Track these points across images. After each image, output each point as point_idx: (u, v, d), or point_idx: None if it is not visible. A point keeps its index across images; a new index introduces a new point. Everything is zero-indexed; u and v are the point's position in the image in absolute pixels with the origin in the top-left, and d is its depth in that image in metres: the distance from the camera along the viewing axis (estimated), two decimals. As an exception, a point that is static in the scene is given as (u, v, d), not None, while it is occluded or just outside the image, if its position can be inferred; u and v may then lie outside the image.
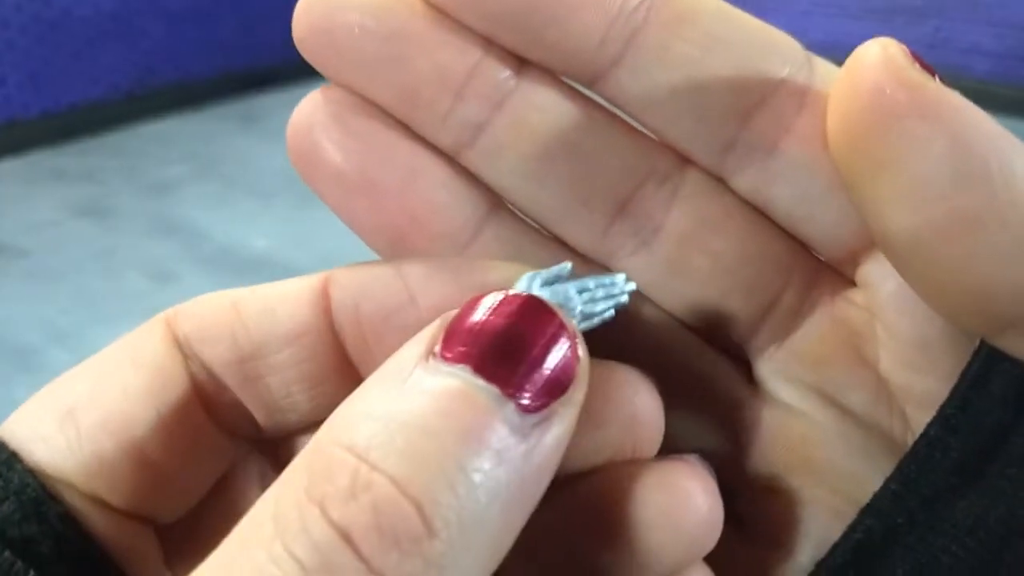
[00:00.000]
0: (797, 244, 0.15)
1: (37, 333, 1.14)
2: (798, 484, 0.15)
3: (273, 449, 0.17)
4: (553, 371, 0.12)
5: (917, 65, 0.13)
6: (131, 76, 1.97)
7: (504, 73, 0.15)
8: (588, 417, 0.13)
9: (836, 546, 0.14)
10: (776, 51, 0.14)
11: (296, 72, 2.34)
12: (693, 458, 0.15)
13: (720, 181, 0.15)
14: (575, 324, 0.13)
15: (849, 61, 0.13)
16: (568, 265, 0.14)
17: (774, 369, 0.16)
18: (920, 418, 0.14)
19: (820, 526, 0.15)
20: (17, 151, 1.72)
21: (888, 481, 0.14)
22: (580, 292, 0.14)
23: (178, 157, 1.72)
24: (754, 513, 0.15)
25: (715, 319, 0.16)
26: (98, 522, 0.14)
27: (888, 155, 0.12)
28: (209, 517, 0.12)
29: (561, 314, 0.13)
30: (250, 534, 0.12)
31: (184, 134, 1.86)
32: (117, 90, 1.94)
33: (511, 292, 0.13)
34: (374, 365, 0.13)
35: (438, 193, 0.15)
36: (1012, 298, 0.12)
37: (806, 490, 0.15)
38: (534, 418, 0.12)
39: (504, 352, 0.12)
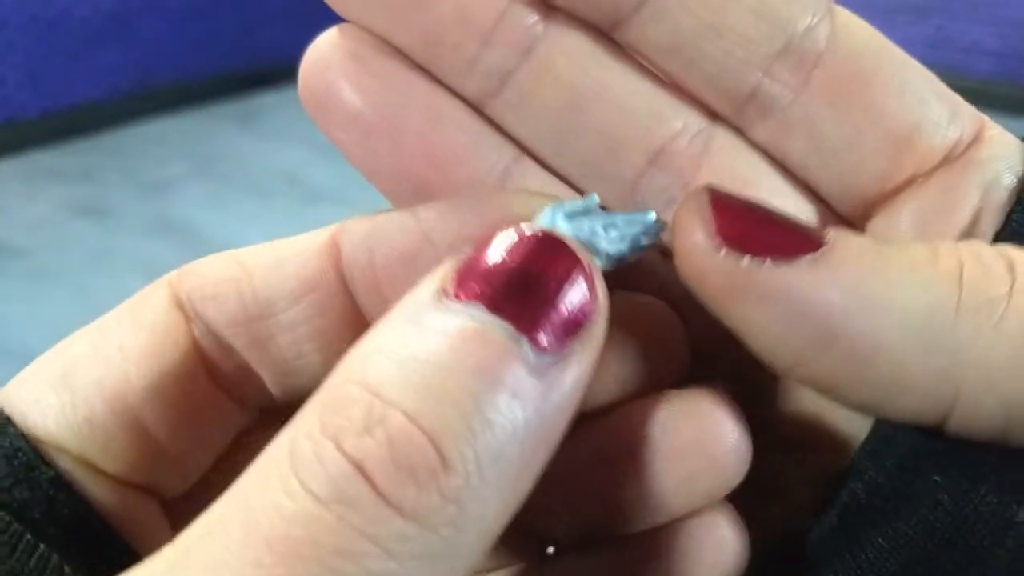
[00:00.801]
0: (813, 199, 0.15)
1: (35, 332, 1.14)
2: (774, 461, 0.15)
3: (286, 417, 0.15)
4: (570, 310, 0.12)
5: (727, 237, 0.13)
6: (130, 76, 1.97)
7: (532, 18, 0.14)
8: (612, 349, 0.13)
9: (823, 510, 0.14)
10: (795, 2, 0.14)
11: (295, 72, 2.34)
12: (719, 385, 0.14)
13: (739, 132, 0.15)
14: (595, 261, 0.13)
15: (676, 238, 0.13)
16: (595, 197, 0.14)
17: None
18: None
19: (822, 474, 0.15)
20: (16, 151, 1.71)
21: (865, 442, 0.14)
22: (606, 229, 0.14)
23: (177, 157, 1.71)
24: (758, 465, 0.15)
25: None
26: (94, 489, 0.14)
27: (737, 326, 0.13)
28: (220, 491, 0.11)
29: (578, 251, 0.12)
30: (265, 470, 0.11)
31: (183, 134, 1.86)
32: (116, 90, 1.94)
33: (527, 228, 0.12)
34: None
35: (461, 137, 0.15)
36: (906, 413, 0.13)
37: (784, 466, 0.15)
38: (551, 357, 0.12)
39: (519, 290, 0.12)
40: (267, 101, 2.10)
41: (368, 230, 0.15)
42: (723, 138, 0.15)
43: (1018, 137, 0.15)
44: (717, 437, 0.14)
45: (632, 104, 0.15)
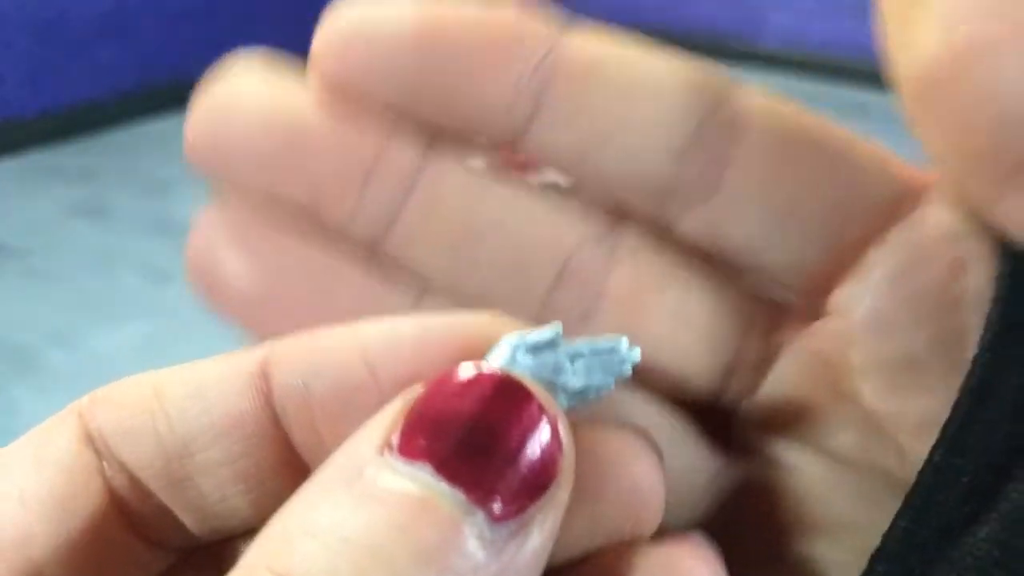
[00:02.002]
0: (752, 286, 0.14)
1: (34, 333, 1.14)
2: (802, 548, 0.14)
3: (213, 555, 0.14)
4: (532, 468, 0.10)
5: None
6: (129, 75, 1.97)
7: (411, 153, 0.14)
8: (576, 497, 0.11)
9: None
10: (697, 86, 0.13)
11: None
12: (696, 537, 0.13)
13: (665, 231, 0.14)
14: (561, 406, 0.11)
15: None
16: (559, 326, 0.12)
17: (751, 425, 0.14)
18: (919, 447, 0.13)
19: None
20: (15, 150, 1.71)
21: (896, 519, 0.13)
22: (572, 360, 0.12)
23: (177, 157, 1.71)
24: None
25: (678, 381, 0.14)
26: None
27: None
28: None
29: (543, 398, 0.11)
30: None
31: (183, 133, 1.86)
32: (115, 89, 1.94)
33: (484, 367, 0.11)
34: (325, 456, 0.11)
35: (357, 293, 0.14)
36: None
37: (812, 552, 0.14)
38: (509, 526, 0.10)
39: (473, 447, 0.10)
40: (267, 101, 2.10)
41: (303, 358, 0.13)
42: (631, 240, 0.14)
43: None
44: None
45: (530, 222, 0.14)
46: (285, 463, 0.13)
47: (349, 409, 0.12)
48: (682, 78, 0.13)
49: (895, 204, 0.13)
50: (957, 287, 0.13)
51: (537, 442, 0.10)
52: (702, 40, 2.49)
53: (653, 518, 0.13)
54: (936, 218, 0.13)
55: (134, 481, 0.13)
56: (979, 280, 0.13)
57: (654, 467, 0.13)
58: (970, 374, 0.12)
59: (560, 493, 0.11)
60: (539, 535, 0.10)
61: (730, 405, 0.14)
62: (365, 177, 0.14)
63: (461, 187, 0.14)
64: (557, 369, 0.12)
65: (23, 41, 1.78)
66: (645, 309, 0.14)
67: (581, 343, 0.12)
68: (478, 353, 0.12)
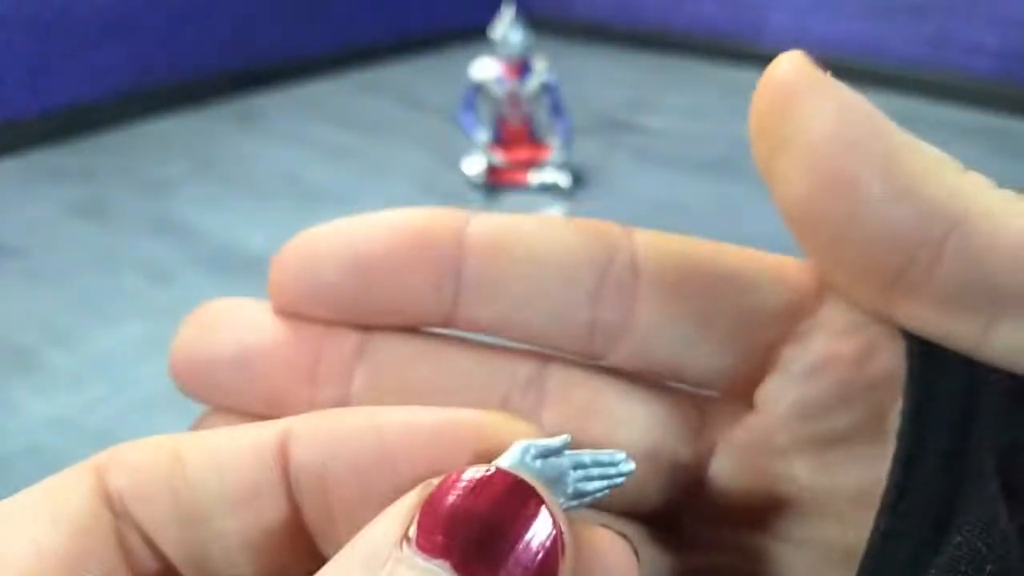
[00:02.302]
0: (681, 395, 0.16)
1: (34, 333, 1.14)
2: None
3: None
4: (538, 568, 0.11)
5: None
6: (130, 76, 1.97)
7: (347, 347, 0.15)
8: None
9: None
10: (593, 241, 0.15)
11: (294, 72, 2.34)
12: None
13: (592, 364, 0.16)
14: (562, 511, 0.12)
15: (766, 71, 0.14)
16: (567, 437, 0.13)
17: (699, 518, 0.15)
18: (857, 515, 0.14)
19: None
20: (15, 150, 1.71)
21: None
22: (575, 468, 0.13)
23: (176, 156, 1.71)
24: None
25: (629, 504, 0.15)
26: None
27: (787, 130, 0.13)
28: None
29: (549, 500, 0.12)
30: None
31: (182, 133, 1.86)
32: (115, 89, 1.94)
33: (497, 467, 0.12)
34: (335, 534, 0.12)
35: None
36: (892, 248, 0.13)
37: None
38: None
39: (486, 544, 0.11)
40: (267, 101, 2.09)
41: (322, 439, 0.13)
42: (559, 377, 0.16)
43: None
44: None
45: (462, 383, 0.15)
46: (294, 536, 0.13)
47: (363, 491, 0.13)
48: (579, 238, 0.15)
49: (798, 305, 0.15)
50: (870, 368, 0.14)
51: (543, 543, 0.11)
52: (702, 40, 2.49)
53: None
54: (839, 312, 0.14)
55: (148, 542, 0.13)
56: (890, 360, 0.14)
57: (632, 565, 0.13)
58: (898, 445, 0.13)
59: None
60: None
61: (680, 516, 0.15)
62: (310, 378, 0.15)
63: (397, 362, 0.16)
64: (561, 474, 0.13)
65: (23, 41, 1.78)
66: (582, 434, 0.15)
67: (585, 453, 0.13)
68: (491, 449, 0.13)
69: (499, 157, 1.52)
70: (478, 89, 1.51)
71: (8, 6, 1.74)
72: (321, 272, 0.15)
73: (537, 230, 0.15)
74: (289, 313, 0.16)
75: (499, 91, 1.49)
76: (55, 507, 0.13)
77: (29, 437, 0.93)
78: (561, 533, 0.11)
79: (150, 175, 1.61)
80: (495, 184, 1.51)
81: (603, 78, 2.29)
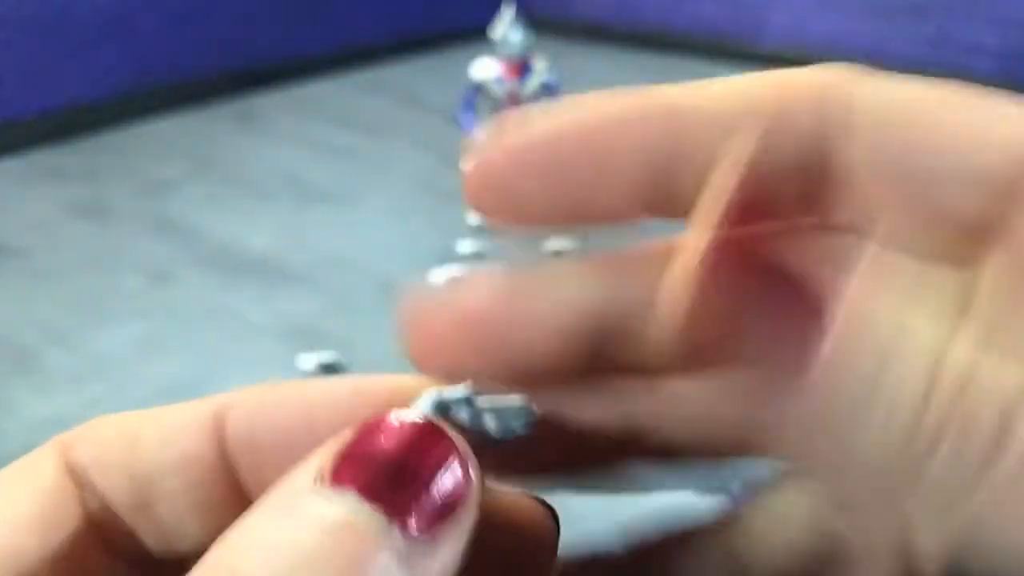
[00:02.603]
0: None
1: (34, 333, 1.14)
2: None
3: (171, 573, 0.16)
4: (443, 496, 0.12)
5: None
6: (130, 76, 1.97)
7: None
8: (482, 545, 0.13)
9: None
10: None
11: (294, 72, 2.34)
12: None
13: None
14: (470, 451, 0.13)
15: None
16: (470, 386, 0.14)
17: None
18: None
19: None
20: (15, 150, 1.71)
21: None
22: (491, 413, 0.14)
23: (176, 156, 1.71)
24: None
25: None
26: None
27: None
28: None
29: (454, 438, 0.13)
30: None
31: (182, 133, 1.85)
32: (115, 89, 1.94)
33: (407, 414, 0.13)
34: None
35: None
36: None
37: None
38: (421, 544, 0.12)
39: (394, 477, 0.12)
40: (267, 101, 2.09)
41: (252, 408, 0.15)
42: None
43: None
44: None
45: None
46: (233, 496, 0.15)
47: (290, 452, 0.14)
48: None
49: None
50: None
51: (448, 474, 0.13)
52: (702, 40, 2.49)
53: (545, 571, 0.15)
54: None
55: (106, 506, 0.15)
56: None
57: (550, 529, 0.15)
58: None
59: (466, 517, 0.13)
60: (447, 553, 0.12)
61: None
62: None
63: None
64: (476, 419, 0.14)
65: (23, 41, 1.78)
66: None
67: (488, 399, 0.14)
68: (404, 405, 0.14)
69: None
70: (478, 89, 1.51)
71: (8, 6, 1.74)
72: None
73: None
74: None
75: (499, 91, 1.49)
76: (25, 480, 0.15)
77: (29, 437, 0.93)
78: (467, 467, 0.13)
79: (150, 175, 1.61)
80: (495, 184, 1.51)
81: (603, 78, 2.28)
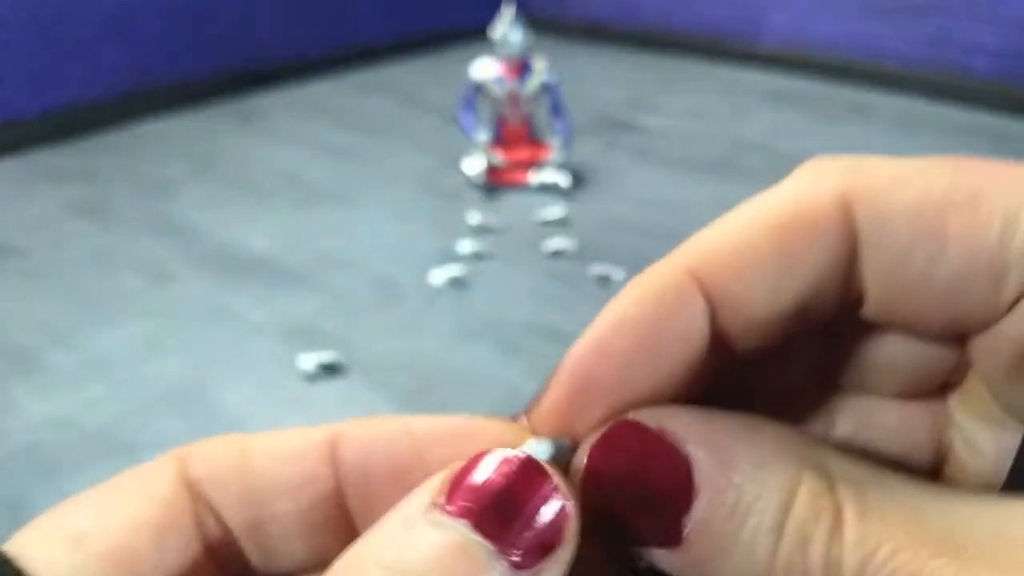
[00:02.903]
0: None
1: (34, 333, 1.14)
2: None
3: None
4: (545, 531, 0.13)
5: None
6: (129, 75, 1.97)
7: None
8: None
9: None
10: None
11: (294, 72, 2.34)
12: None
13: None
14: (568, 484, 0.14)
15: None
16: (567, 439, 0.15)
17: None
18: None
19: None
20: (15, 150, 1.71)
21: None
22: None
23: (176, 156, 1.71)
24: None
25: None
26: None
27: None
28: None
29: (557, 478, 0.14)
30: None
31: (182, 133, 1.85)
32: (115, 89, 1.94)
33: (514, 452, 0.14)
34: (374, 518, 0.15)
35: None
36: None
37: None
38: (525, 575, 0.13)
39: (501, 510, 0.13)
40: (267, 101, 2.09)
41: (365, 440, 0.16)
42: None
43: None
44: None
45: None
46: (340, 521, 0.16)
47: (398, 482, 0.16)
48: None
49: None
50: None
51: (550, 511, 0.14)
52: (702, 40, 2.49)
53: None
54: None
55: (219, 521, 0.16)
56: None
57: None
58: None
59: (565, 552, 0.14)
60: None
61: None
62: None
63: None
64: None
65: (23, 41, 1.78)
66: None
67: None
68: (505, 446, 0.15)
69: (499, 157, 1.52)
70: (478, 89, 1.51)
71: (8, 6, 1.74)
72: None
73: None
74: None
75: (499, 91, 1.49)
76: (144, 489, 0.16)
77: (29, 437, 0.93)
78: (567, 504, 0.14)
79: (150, 175, 1.61)
80: (495, 184, 1.51)
81: (603, 78, 2.28)
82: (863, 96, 2.04)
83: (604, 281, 1.13)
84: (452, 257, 1.23)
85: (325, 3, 2.33)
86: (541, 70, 1.49)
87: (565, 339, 0.98)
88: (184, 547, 0.15)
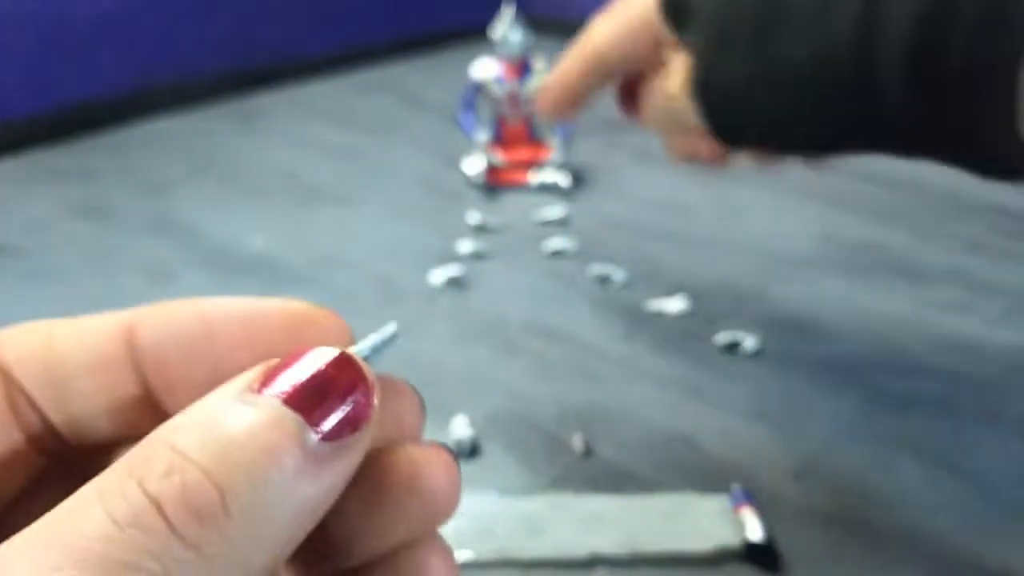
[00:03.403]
0: None
1: (35, 333, 1.14)
2: None
3: (81, 468, 0.19)
4: (350, 413, 0.16)
5: None
6: (130, 76, 1.97)
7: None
8: (391, 492, 0.18)
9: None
10: None
11: (294, 72, 2.34)
12: (441, 445, 0.19)
13: None
14: (374, 377, 0.17)
15: None
16: (393, 326, 0.19)
17: None
18: None
19: None
20: (14, 150, 1.71)
21: None
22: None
23: (176, 157, 1.71)
24: None
25: None
26: None
27: None
28: (15, 530, 0.14)
29: (366, 370, 0.16)
30: (74, 502, 0.14)
31: (182, 133, 1.85)
32: (115, 89, 1.94)
33: (326, 348, 0.16)
34: (176, 398, 0.17)
35: None
36: None
37: None
38: (328, 447, 0.15)
39: (313, 393, 0.16)
40: (267, 101, 2.09)
41: (160, 321, 0.18)
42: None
43: None
44: (430, 477, 0.18)
45: None
46: (144, 401, 0.18)
47: (193, 364, 0.18)
48: None
49: None
50: None
51: (358, 397, 0.16)
52: (702, 40, 2.49)
53: (415, 431, 0.19)
54: None
55: (31, 404, 0.18)
56: None
57: (417, 400, 0.20)
58: None
59: (365, 436, 0.16)
60: (348, 457, 0.16)
61: None
62: None
63: None
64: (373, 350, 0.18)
65: (23, 41, 1.78)
66: None
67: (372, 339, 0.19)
68: (293, 328, 0.18)
69: (499, 157, 1.52)
70: (478, 89, 1.51)
71: (8, 6, 1.74)
72: None
73: None
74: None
75: (499, 91, 1.49)
76: None
77: (29, 437, 0.93)
78: (372, 391, 0.16)
79: (150, 175, 1.61)
80: (495, 184, 1.51)
81: (603, 78, 2.28)
82: (863, 96, 2.04)
83: (604, 281, 1.13)
84: (452, 257, 1.23)
85: (325, 3, 2.33)
86: (541, 70, 1.49)
87: (565, 339, 0.98)
88: (5, 434, 0.17)
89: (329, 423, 0.15)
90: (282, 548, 0.15)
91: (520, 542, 0.59)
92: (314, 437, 0.15)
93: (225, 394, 0.15)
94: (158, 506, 0.13)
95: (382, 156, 1.71)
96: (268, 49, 2.22)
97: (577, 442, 0.76)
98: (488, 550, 0.58)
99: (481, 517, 0.62)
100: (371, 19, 2.46)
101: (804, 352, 0.97)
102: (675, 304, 1.07)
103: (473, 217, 1.35)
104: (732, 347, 0.98)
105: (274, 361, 0.16)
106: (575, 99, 0.59)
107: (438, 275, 1.14)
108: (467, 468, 0.76)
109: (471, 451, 0.77)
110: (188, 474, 0.14)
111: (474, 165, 1.51)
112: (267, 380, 0.16)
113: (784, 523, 0.65)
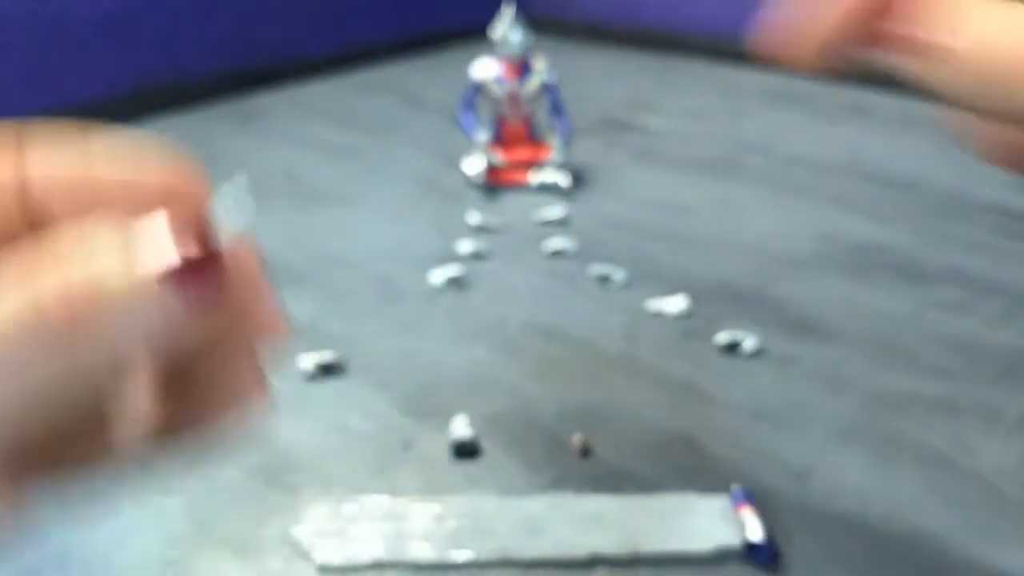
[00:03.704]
0: None
1: (35, 333, 1.14)
2: None
3: None
4: (210, 279, 0.19)
5: None
6: (129, 75, 1.97)
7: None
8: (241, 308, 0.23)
9: None
10: None
11: (294, 72, 2.34)
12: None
13: None
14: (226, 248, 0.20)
15: None
16: (241, 177, 0.21)
17: None
18: None
19: None
20: (15, 151, 1.71)
21: None
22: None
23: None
24: None
25: None
26: None
27: None
28: None
29: (223, 249, 0.20)
30: None
31: (182, 134, 1.85)
32: (115, 89, 1.94)
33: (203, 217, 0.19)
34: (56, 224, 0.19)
35: None
36: None
37: None
38: (193, 291, 0.19)
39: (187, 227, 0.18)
40: (267, 101, 2.09)
41: (48, 154, 0.21)
42: None
43: None
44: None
45: None
46: (27, 220, 0.20)
47: (73, 196, 0.20)
48: None
49: None
50: None
51: (215, 267, 0.19)
52: (702, 40, 2.49)
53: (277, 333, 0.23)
54: None
55: None
56: None
57: (253, 259, 0.22)
58: None
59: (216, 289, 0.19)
60: (198, 304, 0.19)
61: None
62: None
63: None
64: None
65: (23, 41, 1.78)
66: None
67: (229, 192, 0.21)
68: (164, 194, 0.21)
69: (499, 157, 1.52)
70: (478, 89, 1.51)
71: (8, 6, 1.74)
72: None
73: None
74: None
75: (499, 91, 1.49)
76: None
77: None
78: (222, 257, 0.19)
79: (150, 175, 1.61)
80: (495, 184, 1.51)
81: (603, 78, 2.28)
82: (863, 96, 2.04)
83: (604, 281, 1.13)
84: (452, 257, 1.23)
85: (325, 3, 2.33)
86: (541, 70, 1.49)
87: (565, 339, 0.98)
88: None
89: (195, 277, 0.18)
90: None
91: (520, 542, 0.59)
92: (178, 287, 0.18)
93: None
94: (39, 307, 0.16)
95: (382, 156, 1.71)
96: (268, 49, 2.22)
97: (577, 442, 0.76)
98: (488, 550, 0.58)
99: (481, 517, 0.62)
100: (371, 19, 2.46)
101: (804, 352, 0.97)
102: (675, 304, 1.07)
103: (473, 217, 1.35)
104: (732, 347, 0.98)
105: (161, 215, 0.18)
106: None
107: (438, 275, 1.14)
108: (467, 468, 0.77)
109: (471, 451, 0.77)
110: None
111: (474, 165, 1.51)
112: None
113: (784, 523, 0.65)
